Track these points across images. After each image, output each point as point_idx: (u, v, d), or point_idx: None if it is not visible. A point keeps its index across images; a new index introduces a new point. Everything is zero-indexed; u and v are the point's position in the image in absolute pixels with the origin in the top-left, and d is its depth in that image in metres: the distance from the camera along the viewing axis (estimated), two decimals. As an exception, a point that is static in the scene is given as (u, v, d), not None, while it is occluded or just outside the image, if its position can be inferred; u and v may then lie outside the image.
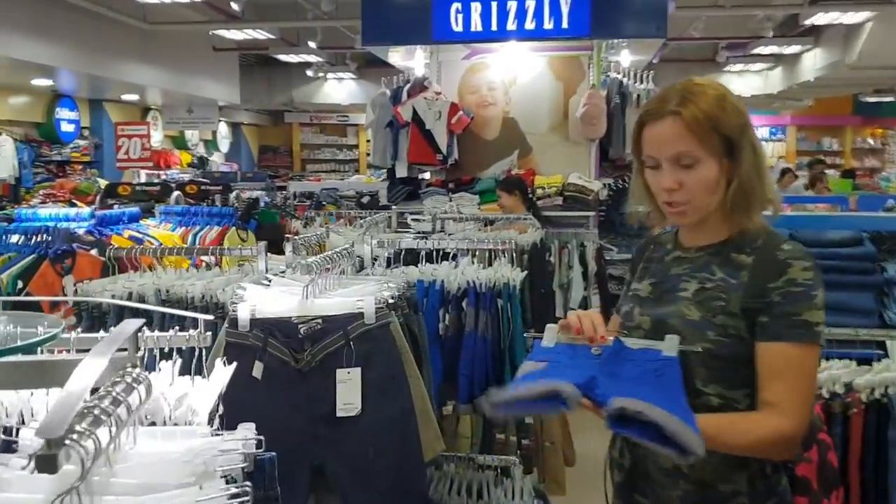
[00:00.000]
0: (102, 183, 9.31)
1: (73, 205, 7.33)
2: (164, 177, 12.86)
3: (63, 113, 12.14)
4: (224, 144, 18.35)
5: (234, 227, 5.37)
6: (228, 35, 11.42)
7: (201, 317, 1.70)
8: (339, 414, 2.19)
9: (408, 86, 6.82)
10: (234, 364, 1.86)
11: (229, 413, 2.25)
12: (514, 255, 3.31)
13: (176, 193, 6.84)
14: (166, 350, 1.70)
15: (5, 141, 10.58)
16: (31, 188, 9.22)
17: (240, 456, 1.31)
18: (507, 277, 3.02)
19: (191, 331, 1.70)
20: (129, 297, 2.67)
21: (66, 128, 12.24)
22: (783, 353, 1.66)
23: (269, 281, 2.43)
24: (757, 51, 13.15)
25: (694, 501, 1.77)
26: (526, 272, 3.22)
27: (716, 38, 13.24)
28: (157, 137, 14.90)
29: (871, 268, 3.31)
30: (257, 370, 2.18)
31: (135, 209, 5.29)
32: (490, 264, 3.30)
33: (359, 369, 2.19)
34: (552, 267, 6.15)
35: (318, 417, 2.20)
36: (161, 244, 4.12)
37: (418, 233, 4.47)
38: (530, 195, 6.22)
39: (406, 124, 6.59)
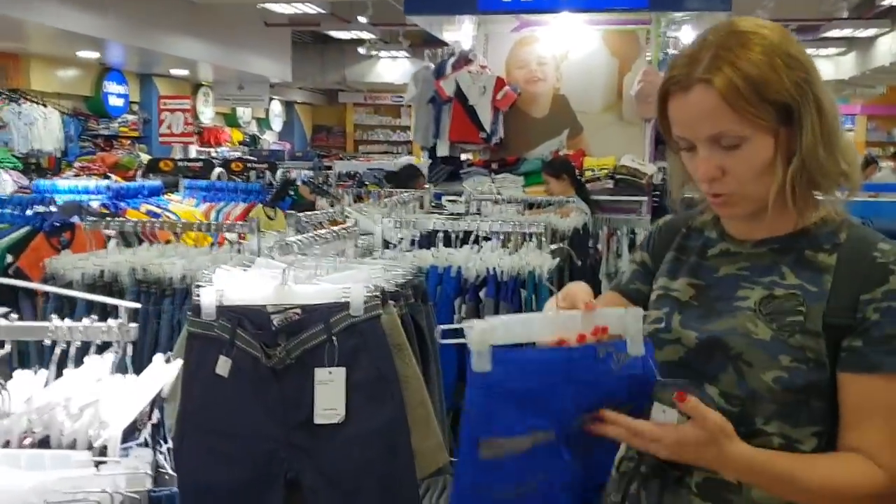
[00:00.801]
0: (144, 158, 9.17)
1: (108, 178, 7.17)
2: (213, 154, 12.76)
3: (111, 87, 12.03)
4: (277, 123, 18.20)
5: (261, 205, 5.10)
6: (279, 9, 11.16)
7: (122, 303, 1.38)
8: (317, 421, 1.86)
9: (452, 59, 6.46)
10: (179, 361, 1.56)
11: (191, 416, 1.95)
12: (545, 239, 2.93)
13: (218, 170, 6.62)
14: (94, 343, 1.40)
15: (51, 113, 10.49)
16: (73, 161, 9.11)
17: (105, 497, 0.98)
18: (534, 265, 2.66)
19: (110, 321, 1.38)
20: (101, 276, 2.38)
21: (115, 102, 12.14)
22: (881, 387, 1.28)
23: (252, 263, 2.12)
24: (829, 34, 12.43)
25: None
26: (557, 259, 2.86)
27: (786, 20, 12.55)
28: (208, 114, 14.80)
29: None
30: (222, 366, 1.86)
31: (156, 182, 5.06)
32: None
33: (343, 369, 1.86)
34: (599, 255, 5.78)
35: (293, 424, 1.87)
36: (179, 220, 3.86)
37: (450, 215, 4.12)
38: (579, 177, 5.84)
39: (449, 100, 6.25)
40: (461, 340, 1.16)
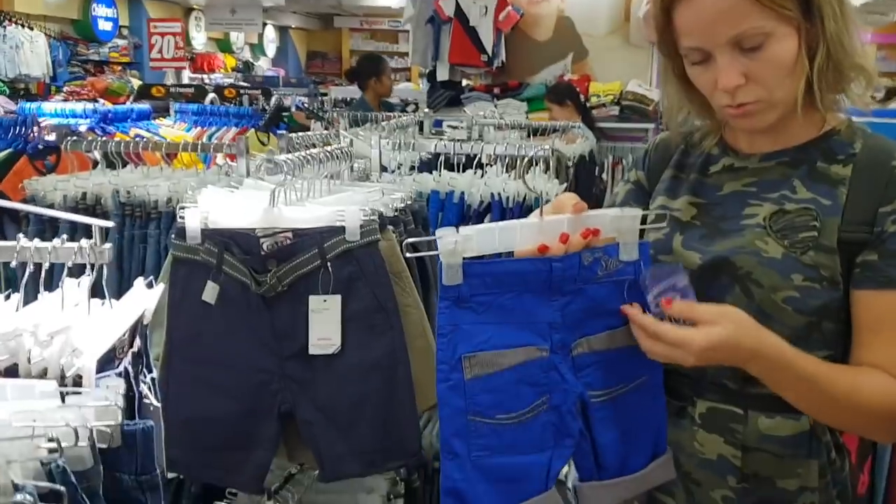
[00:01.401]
0: (136, 83, 8.94)
1: (96, 101, 6.97)
2: (206, 81, 12.47)
3: (100, 10, 11.63)
4: (271, 49, 17.80)
5: (253, 129, 4.94)
6: (272, -71, 10.79)
7: (96, 222, 1.25)
8: (312, 351, 1.75)
9: (453, -24, 6.20)
10: (162, 286, 1.44)
11: (178, 346, 1.84)
12: (552, 164, 2.78)
13: (211, 96, 6.44)
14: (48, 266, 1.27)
15: (37, 37, 10.17)
16: (61, 87, 8.87)
17: (68, 431, 0.88)
18: (541, 190, 2.53)
19: (82, 241, 1.26)
20: (83, 198, 2.25)
21: (104, 26, 11.76)
22: None
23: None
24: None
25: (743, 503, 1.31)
26: (565, 185, 2.73)
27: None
28: (200, 40, 14.44)
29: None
30: (209, 293, 1.74)
31: (145, 106, 4.88)
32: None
33: (338, 297, 1.74)
34: (604, 185, 5.64)
35: (286, 354, 1.76)
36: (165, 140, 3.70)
37: (451, 140, 3.96)
38: (584, 103, 5.66)
39: (448, 20, 6.02)
40: (431, 253, 1.04)
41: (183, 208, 1.76)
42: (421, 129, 4.41)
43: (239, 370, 1.78)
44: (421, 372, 1.91)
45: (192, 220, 1.73)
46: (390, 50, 19.99)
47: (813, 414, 1.23)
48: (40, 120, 4.15)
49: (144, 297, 1.44)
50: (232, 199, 1.83)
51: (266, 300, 1.74)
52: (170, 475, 2.12)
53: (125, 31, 12.38)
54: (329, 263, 1.73)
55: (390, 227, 1.90)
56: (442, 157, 2.82)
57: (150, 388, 1.47)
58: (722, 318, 1.13)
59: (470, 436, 1.02)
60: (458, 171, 2.83)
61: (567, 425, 1.08)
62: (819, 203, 1.23)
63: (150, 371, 1.52)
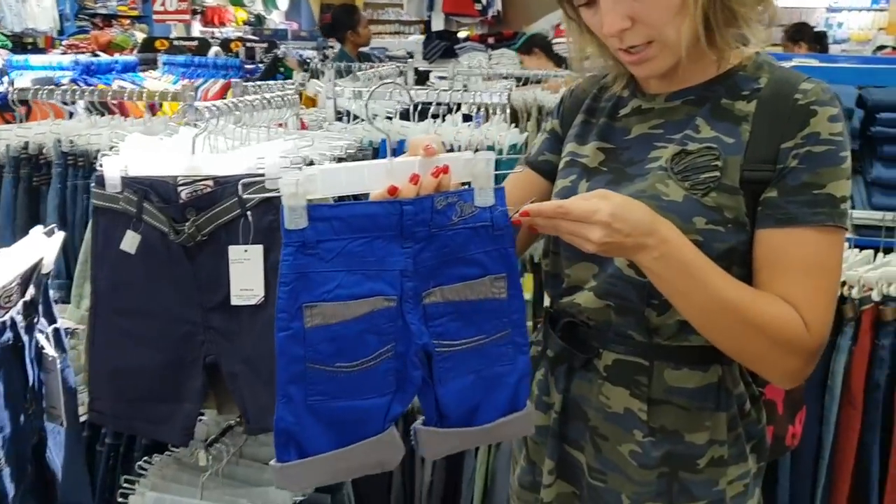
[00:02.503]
0: (140, 36, 8.89)
1: (96, 56, 6.94)
2: (216, 34, 12.36)
3: (107, -39, 11.57)
4: (283, 2, 17.60)
5: (240, 80, 4.89)
6: None
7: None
8: (234, 302, 1.72)
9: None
10: (61, 235, 1.42)
11: (102, 296, 1.82)
12: (508, 111, 2.70)
13: (215, 49, 6.41)
14: None
15: (43, -10, 10.14)
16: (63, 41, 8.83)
17: None
18: (495, 139, 2.47)
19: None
20: (25, 147, 2.23)
21: (112, -22, 11.69)
22: (798, 241, 1.14)
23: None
24: None
25: (652, 460, 1.27)
26: (527, 134, 2.66)
27: None
28: (210, -8, 14.30)
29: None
30: (129, 243, 1.72)
31: (131, 58, 4.85)
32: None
33: (259, 247, 1.71)
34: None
35: (209, 305, 1.74)
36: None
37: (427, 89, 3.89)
38: (557, 53, 5.54)
39: (442, -30, 5.91)
40: (272, 194, 1.01)
41: (104, 156, 1.74)
42: (406, 81, 4.35)
43: (163, 321, 1.77)
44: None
45: (111, 168, 1.70)
46: (397, 1, 19.76)
47: (702, 326, 1.16)
48: (26, 73, 4.15)
49: (40, 246, 1.42)
50: (155, 148, 1.79)
51: (187, 250, 1.71)
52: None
53: (132, -17, 12.27)
54: (249, 212, 1.69)
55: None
56: (414, 107, 2.75)
57: (48, 339, 1.46)
58: (606, 194, 1.08)
59: (307, 382, 0.99)
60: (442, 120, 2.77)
61: (409, 373, 1.04)
62: (721, 141, 1.18)
63: (52, 321, 1.51)
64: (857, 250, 2.15)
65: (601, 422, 1.30)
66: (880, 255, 2.15)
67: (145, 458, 2.00)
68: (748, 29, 1.19)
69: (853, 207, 2.44)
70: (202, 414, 2.01)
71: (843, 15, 13.18)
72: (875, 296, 1.97)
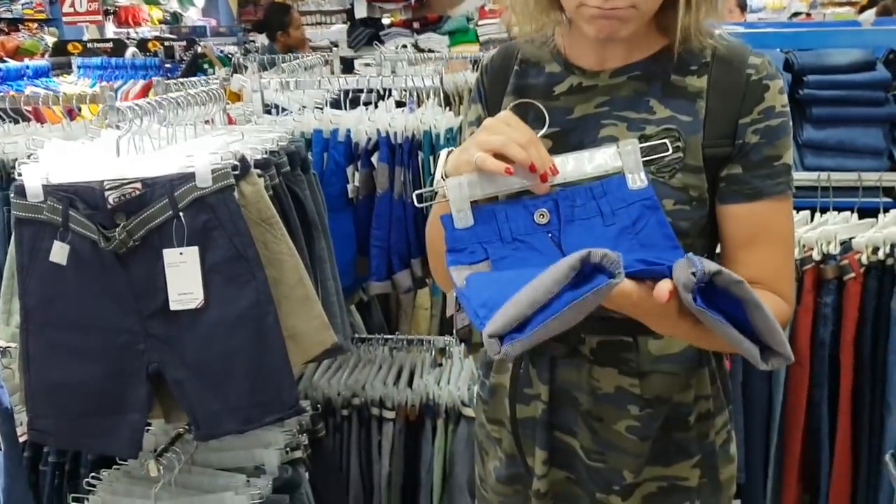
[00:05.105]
0: (50, 40, 8.59)
1: (4, 62, 6.68)
2: (131, 35, 12.01)
3: (9, -37, 11.14)
4: (200, -1, 17.25)
5: (162, 79, 4.75)
6: None
7: None
8: (173, 307, 1.66)
9: None
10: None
11: (33, 312, 1.74)
12: (444, 93, 2.67)
13: (131, 50, 6.20)
14: None
15: (-56, -3, 9.73)
16: (-30, 49, 8.47)
17: None
18: (431, 124, 2.44)
19: None
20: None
21: (14, -20, 11.26)
22: (765, 213, 1.17)
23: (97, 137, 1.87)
24: None
25: (652, 431, 1.27)
26: (461, 117, 2.63)
27: None
28: (122, -9, 13.89)
29: (882, 98, 2.69)
30: (58, 254, 1.65)
31: (43, 63, 4.67)
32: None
33: (195, 249, 1.65)
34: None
35: (148, 312, 1.68)
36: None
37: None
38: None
39: (361, -44, 5.83)
40: (442, 200, 1.09)
41: (22, 164, 1.65)
42: (332, 70, 4.28)
43: (100, 332, 1.70)
44: (301, 322, 1.84)
45: (31, 176, 1.63)
46: (322, -9, 19.51)
47: (706, 346, 1.21)
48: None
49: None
50: (76, 153, 1.72)
51: (119, 257, 1.65)
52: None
53: (39, -14, 11.84)
54: (181, 213, 1.63)
55: (256, 171, 1.81)
56: (344, 96, 2.69)
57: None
58: None
59: None
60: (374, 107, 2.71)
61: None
62: (679, 121, 1.17)
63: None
64: (794, 212, 2.18)
65: (593, 405, 1.29)
66: (817, 215, 2.19)
67: (93, 473, 1.93)
68: (716, 19, 1.18)
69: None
70: (149, 424, 1.95)
71: (757, -17, 13.41)
72: (815, 255, 2.00)
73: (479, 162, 1.06)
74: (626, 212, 1.09)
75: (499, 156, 1.06)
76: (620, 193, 1.10)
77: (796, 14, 10.55)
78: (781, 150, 1.16)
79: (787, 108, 1.18)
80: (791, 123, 1.19)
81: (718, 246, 1.25)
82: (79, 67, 4.75)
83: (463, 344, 2.80)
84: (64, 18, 9.36)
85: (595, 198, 1.10)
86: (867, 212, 2.26)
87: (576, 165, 1.12)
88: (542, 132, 1.16)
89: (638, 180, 1.10)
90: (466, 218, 1.09)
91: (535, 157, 1.07)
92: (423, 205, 1.15)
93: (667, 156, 1.14)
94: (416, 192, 1.16)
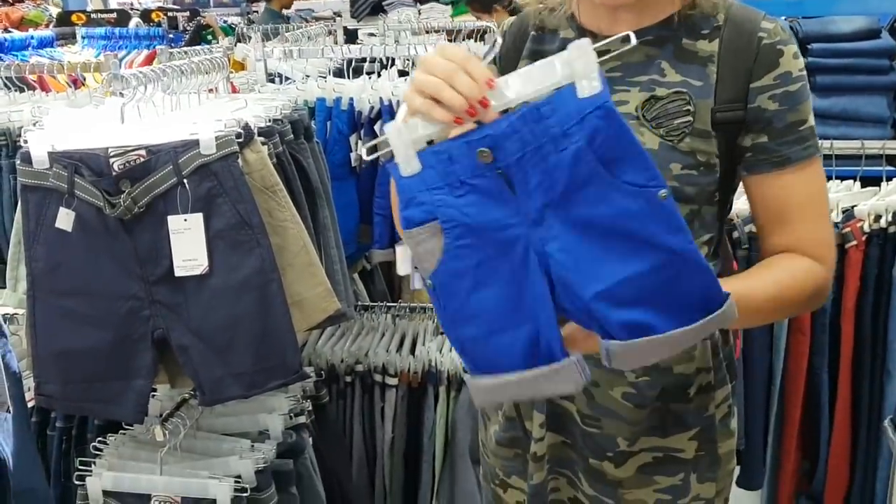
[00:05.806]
0: (54, 11, 8.55)
1: (8, 33, 6.67)
2: (135, 5, 11.95)
3: (13, -66, 11.06)
4: (203, -32, 17.13)
5: (166, 47, 4.75)
6: None
7: None
8: (178, 273, 1.68)
9: None
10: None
11: (40, 279, 1.76)
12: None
13: (135, 20, 6.20)
14: None
15: (-53, -33, 9.67)
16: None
17: None
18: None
19: None
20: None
21: (19, -49, 11.19)
22: (796, 180, 1.18)
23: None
24: None
25: (648, 399, 1.29)
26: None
27: None
28: (126, -39, 13.80)
29: (886, 66, 2.68)
30: (64, 220, 1.66)
31: (48, 33, 4.66)
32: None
33: (199, 215, 1.66)
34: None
35: (153, 278, 1.69)
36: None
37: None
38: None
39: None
40: (386, 150, 0.98)
41: (28, 131, 1.67)
42: (336, 41, 4.27)
43: (106, 298, 1.72)
44: (304, 288, 1.86)
45: (37, 143, 1.64)
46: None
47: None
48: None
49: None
50: (81, 120, 1.73)
51: (124, 223, 1.66)
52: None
53: (43, -44, 11.76)
54: (186, 180, 1.64)
55: (260, 139, 1.82)
56: (348, 65, 2.69)
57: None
58: None
59: None
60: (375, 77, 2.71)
61: None
62: (690, 85, 1.18)
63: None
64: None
65: (591, 369, 1.30)
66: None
67: (99, 438, 1.95)
68: None
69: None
70: (155, 390, 1.97)
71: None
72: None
73: (416, 109, 0.99)
74: (579, 128, 0.93)
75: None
76: (571, 107, 0.94)
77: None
78: (804, 114, 1.17)
79: (804, 73, 1.19)
80: (808, 86, 1.19)
81: (730, 212, 1.27)
82: (83, 38, 4.75)
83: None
84: (67, -12, 9.34)
85: (543, 118, 0.95)
86: (870, 180, 2.26)
87: (521, 83, 0.96)
88: (488, 58, 1.06)
89: (588, 87, 0.93)
90: (412, 164, 0.97)
91: (465, 85, 0.94)
92: (373, 156, 1.04)
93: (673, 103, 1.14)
94: (366, 144, 1.07)
